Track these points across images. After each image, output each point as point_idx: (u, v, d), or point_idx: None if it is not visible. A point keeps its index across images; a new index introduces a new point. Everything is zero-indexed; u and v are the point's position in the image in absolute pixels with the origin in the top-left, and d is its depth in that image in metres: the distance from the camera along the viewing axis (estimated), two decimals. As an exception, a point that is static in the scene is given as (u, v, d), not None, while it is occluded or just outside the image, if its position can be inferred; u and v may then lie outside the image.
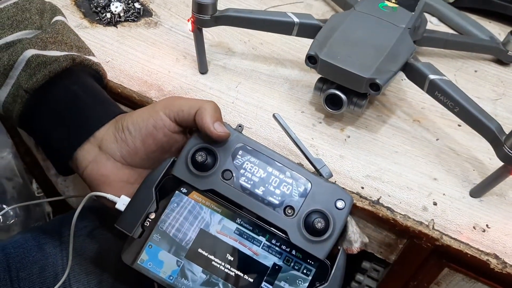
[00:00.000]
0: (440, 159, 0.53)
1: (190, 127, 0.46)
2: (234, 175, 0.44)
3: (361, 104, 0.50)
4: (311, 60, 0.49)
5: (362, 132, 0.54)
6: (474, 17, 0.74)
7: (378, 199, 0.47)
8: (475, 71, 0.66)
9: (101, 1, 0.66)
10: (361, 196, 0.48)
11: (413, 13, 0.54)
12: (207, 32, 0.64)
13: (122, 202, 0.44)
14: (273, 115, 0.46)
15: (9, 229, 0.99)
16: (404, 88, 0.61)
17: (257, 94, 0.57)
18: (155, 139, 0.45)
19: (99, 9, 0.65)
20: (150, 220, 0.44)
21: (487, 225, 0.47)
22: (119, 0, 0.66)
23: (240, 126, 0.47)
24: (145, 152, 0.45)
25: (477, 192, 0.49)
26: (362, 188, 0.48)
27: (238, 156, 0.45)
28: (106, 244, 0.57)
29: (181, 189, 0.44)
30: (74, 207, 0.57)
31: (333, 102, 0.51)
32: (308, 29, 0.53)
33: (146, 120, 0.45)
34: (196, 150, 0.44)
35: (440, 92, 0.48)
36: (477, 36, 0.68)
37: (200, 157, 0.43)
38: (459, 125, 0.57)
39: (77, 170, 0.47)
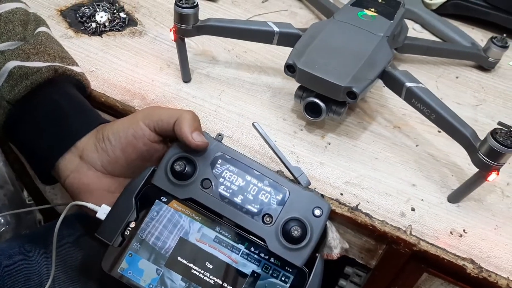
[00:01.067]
0: (420, 165, 0.53)
1: (169, 137, 0.46)
2: (213, 183, 0.45)
3: (340, 111, 0.51)
4: (290, 69, 0.49)
5: (343, 139, 0.55)
6: (457, 23, 0.75)
7: (357, 205, 0.48)
8: (457, 77, 0.67)
9: (87, 11, 0.66)
10: (340, 203, 0.48)
11: (391, 21, 0.55)
12: (191, 41, 0.65)
13: (102, 211, 0.45)
14: (252, 124, 0.47)
15: (0, 237, 0.99)
16: (386, 95, 0.62)
17: (239, 102, 0.57)
18: (135, 148, 0.45)
19: (84, 19, 0.65)
20: (130, 228, 0.44)
21: (464, 230, 0.47)
22: (105, 10, 0.66)
23: (219, 135, 0.47)
24: (125, 161, 0.46)
25: (455, 197, 0.49)
26: (342, 194, 0.49)
27: (217, 165, 0.45)
28: (92, 252, 0.57)
29: (161, 198, 0.45)
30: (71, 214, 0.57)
31: (312, 110, 0.52)
32: (288, 38, 0.54)
33: (126, 129, 0.45)
34: (175, 160, 0.45)
35: (417, 100, 0.48)
36: (459, 42, 0.69)
37: (178, 167, 0.44)
38: (439, 131, 0.57)
39: (59, 179, 0.48)
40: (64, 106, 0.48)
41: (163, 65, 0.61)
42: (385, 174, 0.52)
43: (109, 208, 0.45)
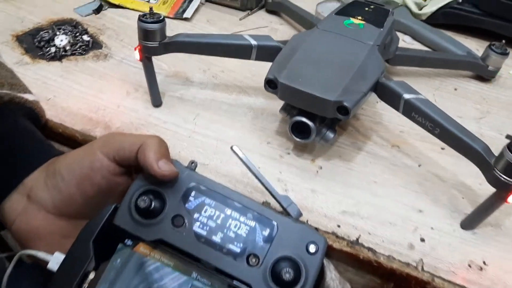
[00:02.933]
0: (425, 188, 0.47)
1: (133, 167, 0.40)
2: (186, 221, 0.38)
3: (330, 131, 0.45)
4: (271, 84, 0.44)
5: (336, 162, 0.49)
6: (449, 33, 0.72)
7: (357, 239, 0.42)
8: (455, 89, 0.62)
9: (45, 35, 0.61)
10: (337, 236, 0.42)
11: (381, 29, 0.50)
12: (162, 62, 0.60)
13: (55, 261, 0.38)
14: (231, 148, 0.41)
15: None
16: (380, 111, 0.57)
17: (217, 125, 0.52)
18: (92, 182, 0.39)
19: (42, 43, 0.60)
20: (89, 280, 0.37)
21: (484, 262, 0.41)
22: (66, 33, 0.61)
23: (192, 163, 0.41)
24: (82, 199, 0.39)
25: (469, 223, 0.43)
26: (339, 226, 0.43)
27: (190, 198, 0.39)
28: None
29: (125, 241, 0.38)
30: (28, 263, 0.50)
31: (300, 131, 0.46)
32: (267, 52, 0.49)
33: (81, 161, 0.39)
34: (140, 194, 0.38)
35: (417, 113, 0.43)
36: (454, 52, 0.65)
37: (143, 202, 0.37)
38: (443, 148, 0.52)
39: (5, 224, 0.41)
40: (11, 138, 0.42)
41: (130, 89, 0.55)
42: (387, 200, 0.46)
43: (62, 257, 0.38)
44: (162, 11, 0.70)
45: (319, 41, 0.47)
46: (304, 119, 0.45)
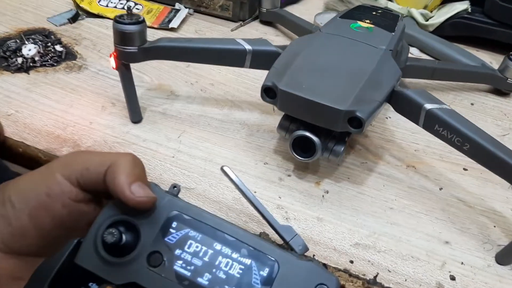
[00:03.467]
0: (449, 214, 0.41)
1: (102, 193, 0.33)
2: (165, 258, 0.31)
3: (338, 148, 0.39)
4: (269, 93, 0.38)
5: (344, 185, 0.42)
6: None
7: (375, 277, 0.35)
8: (472, 104, 0.56)
9: (12, 44, 0.54)
10: (351, 275, 0.35)
11: (393, 33, 0.45)
12: (144, 74, 0.54)
13: (1, 311, 0.30)
14: (221, 169, 0.34)
15: None
16: (391, 128, 0.50)
17: (205, 144, 0.45)
18: (50, 213, 0.31)
19: (8, 53, 0.53)
20: (42, 336, 0.29)
21: (529, 305, 0.34)
22: (35, 43, 0.55)
23: (175, 187, 0.34)
24: (36, 232, 0.32)
25: (506, 256, 0.37)
26: (351, 262, 0.36)
27: (171, 230, 0.32)
28: None
29: (89, 284, 0.31)
30: None
31: (303, 148, 0.39)
32: (264, 58, 0.42)
33: (37, 186, 0.32)
34: (108, 226, 0.31)
35: (442, 126, 0.37)
36: (468, 64, 0.59)
37: (111, 236, 0.30)
38: (465, 169, 0.46)
39: None
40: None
41: (106, 104, 0.49)
42: (407, 230, 0.39)
43: (10, 306, 0.30)
44: (146, 21, 0.64)
45: (324, 45, 0.41)
46: (308, 134, 0.38)
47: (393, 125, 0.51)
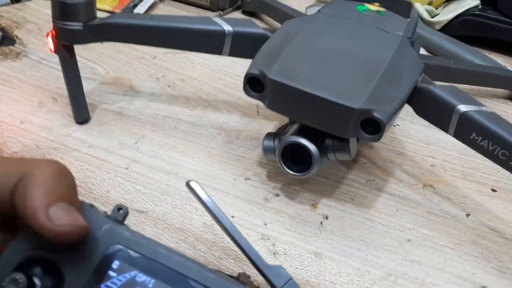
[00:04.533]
0: (482, 249, 0.32)
1: (10, 216, 0.23)
2: (99, 318, 0.21)
3: (342, 142, 0.30)
4: (254, 84, 0.29)
5: (348, 208, 0.34)
6: (469, 47, 0.59)
7: (395, 338, 0.26)
8: (491, 112, 0.48)
9: None
10: (362, 334, 0.26)
11: (408, 19, 0.37)
12: (98, 65, 0.44)
13: None
14: (187, 184, 0.25)
15: None
16: (400, 137, 0.42)
17: (170, 152, 0.36)
18: None
19: None
20: None
21: None
22: (-37, 23, 0.45)
23: (120, 210, 0.25)
24: None
25: None
26: (362, 315, 0.27)
27: (110, 273, 0.22)
28: None
29: None
30: None
31: (295, 159, 0.31)
32: (248, 43, 0.34)
33: None
34: (17, 267, 0.21)
35: (482, 134, 0.28)
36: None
37: (13, 286, 0.20)
38: (494, 190, 0.38)
39: None
40: None
41: (45, 99, 0.39)
42: (431, 270, 0.30)
43: None
44: (107, 5, 0.54)
45: (326, 28, 0.32)
46: (302, 141, 0.29)
47: (403, 134, 0.42)
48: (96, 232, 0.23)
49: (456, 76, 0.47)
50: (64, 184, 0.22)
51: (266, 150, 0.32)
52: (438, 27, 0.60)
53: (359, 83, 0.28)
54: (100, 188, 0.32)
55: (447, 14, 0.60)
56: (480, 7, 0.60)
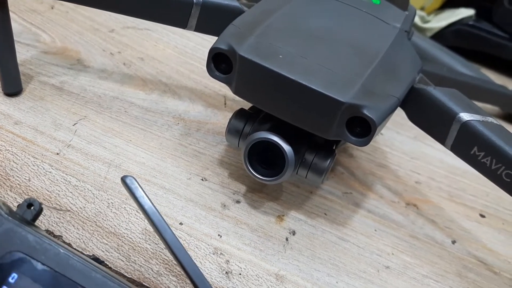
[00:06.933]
0: (469, 283, 0.28)
1: None
2: None
3: (322, 164, 0.26)
4: (220, 62, 0.24)
5: (319, 224, 0.29)
6: (460, 59, 0.55)
7: None
8: (481, 129, 0.45)
9: None
10: None
11: (406, 12, 0.33)
12: (42, 31, 0.38)
13: None
14: (122, 179, 0.20)
15: None
16: (383, 148, 0.38)
17: (114, 140, 0.30)
18: None
19: None
20: None
21: None
22: None
23: (31, 206, 0.19)
24: None
25: None
26: None
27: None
28: None
29: None
30: None
31: (266, 160, 0.26)
32: (219, 16, 0.29)
33: None
34: None
35: (484, 149, 0.24)
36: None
37: None
38: (482, 215, 0.34)
39: None
40: None
41: (-30, 63, 0.33)
42: (412, 305, 0.26)
43: None
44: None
45: (313, 6, 0.28)
46: (275, 138, 0.24)
47: (386, 144, 0.38)
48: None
49: (450, 85, 0.44)
50: None
51: (231, 132, 0.27)
52: (429, 34, 0.57)
53: (348, 72, 0.23)
54: (20, 174, 0.26)
55: (439, 22, 0.57)
56: (474, 18, 0.57)
